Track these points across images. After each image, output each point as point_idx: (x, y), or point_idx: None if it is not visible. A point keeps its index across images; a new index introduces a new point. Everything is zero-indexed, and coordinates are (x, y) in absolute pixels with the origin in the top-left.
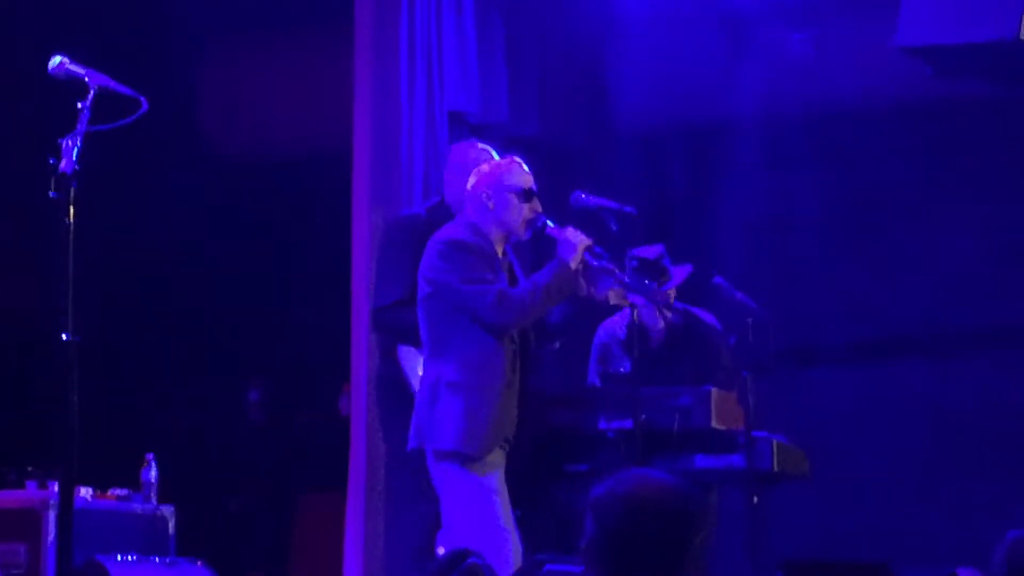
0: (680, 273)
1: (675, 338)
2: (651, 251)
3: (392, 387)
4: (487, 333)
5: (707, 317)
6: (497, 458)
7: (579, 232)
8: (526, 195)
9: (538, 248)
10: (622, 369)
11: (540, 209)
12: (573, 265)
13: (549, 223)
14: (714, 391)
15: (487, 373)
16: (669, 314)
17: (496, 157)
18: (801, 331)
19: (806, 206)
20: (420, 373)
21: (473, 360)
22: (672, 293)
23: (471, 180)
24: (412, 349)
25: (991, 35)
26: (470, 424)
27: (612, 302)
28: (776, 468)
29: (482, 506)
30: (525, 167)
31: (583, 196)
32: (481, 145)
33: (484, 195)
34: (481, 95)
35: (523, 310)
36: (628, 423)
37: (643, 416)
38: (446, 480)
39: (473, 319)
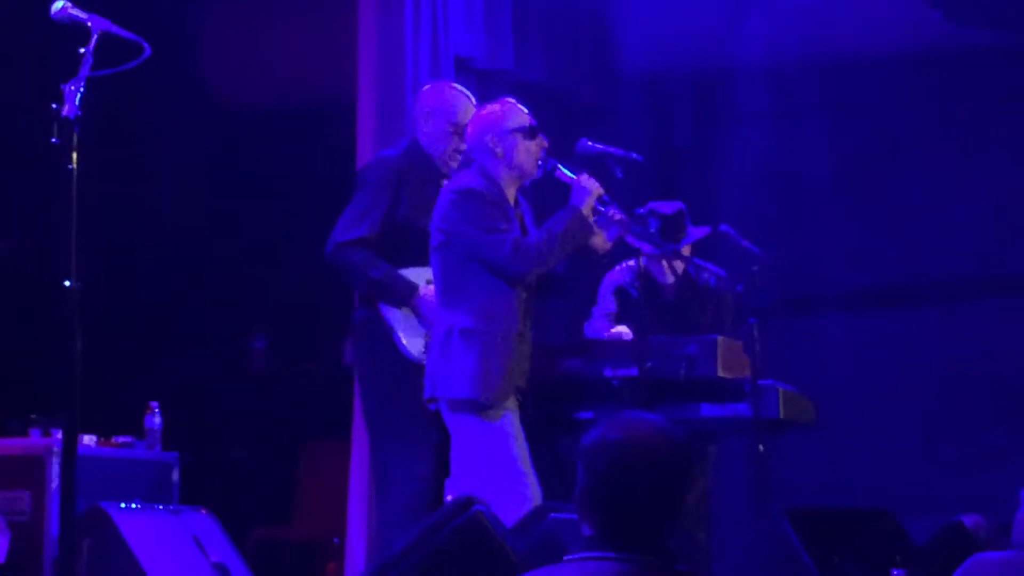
0: (697, 232)
1: (686, 293)
2: (669, 207)
3: (371, 332)
4: (502, 282)
5: (716, 271)
6: (511, 404)
7: (592, 179)
8: (530, 132)
9: (542, 196)
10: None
11: (546, 144)
12: (585, 211)
13: (560, 167)
14: (720, 339)
15: (501, 321)
16: (680, 266)
17: (467, 95)
18: (807, 279)
19: (812, 154)
20: (408, 335)
21: (487, 309)
22: (687, 249)
23: (468, 130)
24: (398, 312)
25: None
26: (484, 372)
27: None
28: (782, 416)
29: (499, 452)
30: (521, 106)
31: (588, 143)
32: (454, 85)
33: (490, 142)
34: (487, 40)
35: (539, 258)
36: (634, 371)
37: (649, 364)
38: (461, 428)
39: (488, 269)
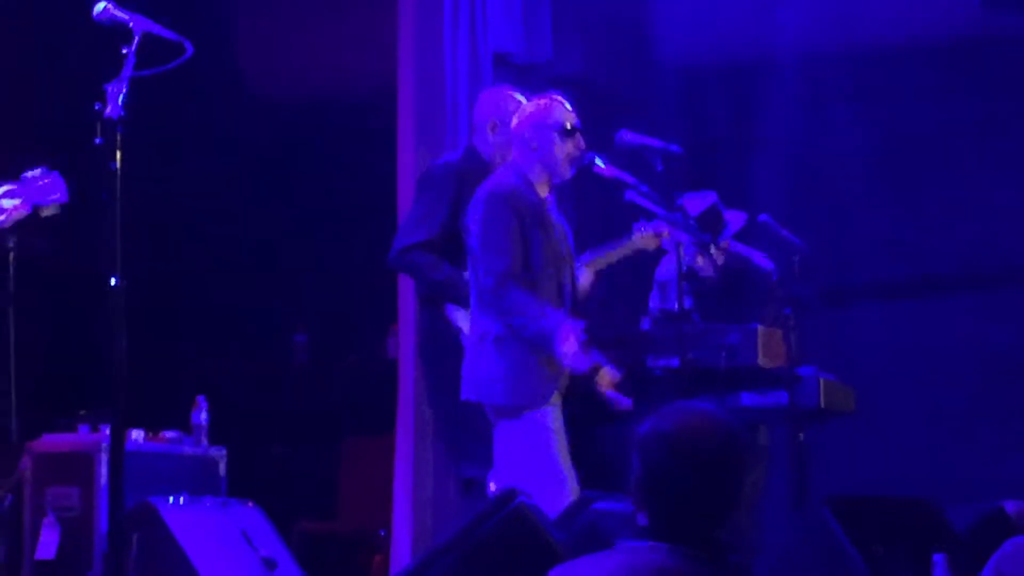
0: (736, 221)
1: (727, 282)
2: (701, 203)
3: (434, 333)
4: (532, 286)
5: (757, 258)
6: (554, 398)
7: (571, 336)
8: (568, 132)
9: (580, 189)
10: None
11: (583, 146)
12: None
13: (598, 161)
14: (761, 329)
15: None
16: (720, 257)
17: (524, 101)
18: (844, 268)
19: (849, 143)
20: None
21: None
22: (726, 243)
23: (514, 121)
24: (463, 312)
25: None
26: (516, 379)
27: (639, 245)
28: (822, 404)
29: (538, 449)
30: (567, 104)
31: (627, 136)
32: (509, 91)
33: (527, 136)
34: (525, 36)
35: (505, 313)
36: (675, 361)
37: (690, 354)
38: (500, 428)
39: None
